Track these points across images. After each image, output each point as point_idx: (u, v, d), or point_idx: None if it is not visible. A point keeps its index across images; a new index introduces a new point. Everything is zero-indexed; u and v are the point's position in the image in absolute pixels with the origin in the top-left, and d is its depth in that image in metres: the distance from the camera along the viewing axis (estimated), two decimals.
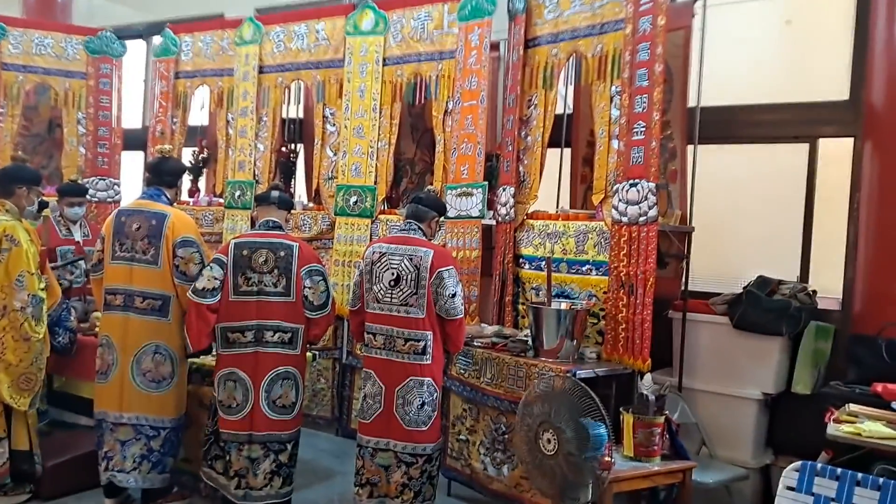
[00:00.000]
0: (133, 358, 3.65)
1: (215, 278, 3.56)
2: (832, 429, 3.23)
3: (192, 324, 3.56)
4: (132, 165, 7.20)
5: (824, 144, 4.58)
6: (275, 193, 3.81)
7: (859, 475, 2.45)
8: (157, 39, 6.58)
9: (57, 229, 4.92)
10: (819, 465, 2.54)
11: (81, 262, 4.82)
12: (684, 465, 3.37)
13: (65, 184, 5.30)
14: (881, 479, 2.43)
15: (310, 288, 3.59)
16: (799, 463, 2.60)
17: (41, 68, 6.42)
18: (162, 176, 3.86)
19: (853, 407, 3.45)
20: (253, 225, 5.11)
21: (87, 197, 5.38)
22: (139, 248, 3.67)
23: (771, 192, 4.73)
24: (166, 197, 3.81)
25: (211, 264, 3.61)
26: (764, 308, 4.15)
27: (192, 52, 6.16)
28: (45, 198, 4.37)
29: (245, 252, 3.58)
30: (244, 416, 3.53)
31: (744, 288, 4.30)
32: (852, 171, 4.38)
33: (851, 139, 4.41)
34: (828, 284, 4.51)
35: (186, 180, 6.08)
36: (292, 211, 5.31)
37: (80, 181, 5.39)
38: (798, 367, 4.27)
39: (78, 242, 4.97)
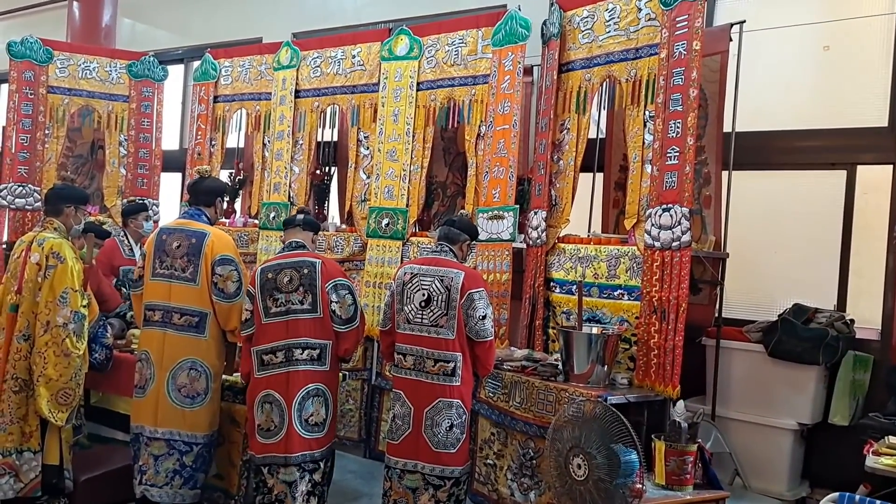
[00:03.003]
0: (169, 373, 3.71)
1: (247, 309, 3.66)
2: (871, 461, 3.17)
3: (242, 353, 3.71)
4: (170, 187, 7.36)
5: (863, 171, 4.52)
6: (299, 216, 3.89)
7: None
8: (196, 63, 6.75)
9: (121, 249, 5.08)
10: (857, 497, 2.49)
11: None
12: (717, 494, 3.30)
13: (130, 204, 5.48)
14: None
15: (336, 302, 3.62)
16: (836, 494, 2.54)
17: (86, 91, 6.63)
18: (199, 195, 3.96)
19: (893, 439, 3.38)
20: None
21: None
22: (178, 265, 3.75)
23: (808, 219, 4.68)
24: (206, 216, 3.90)
25: (245, 296, 3.71)
26: (800, 336, 4.08)
27: (231, 77, 6.31)
28: (93, 217, 4.51)
29: (270, 275, 3.64)
30: (281, 439, 3.54)
31: (779, 315, 4.24)
32: (892, 199, 4.32)
33: (890, 166, 4.35)
34: (866, 314, 4.43)
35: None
36: (326, 232, 5.41)
37: (137, 200, 5.66)
38: (835, 397, 4.19)
39: (136, 261, 5.09)
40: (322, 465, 3.63)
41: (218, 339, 3.80)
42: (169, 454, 3.70)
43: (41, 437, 3.61)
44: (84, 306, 3.61)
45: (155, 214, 6.63)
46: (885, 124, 4.42)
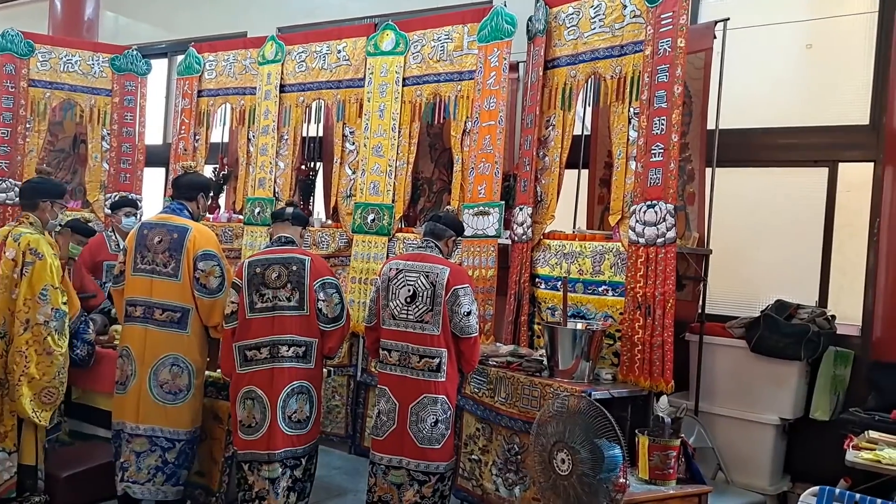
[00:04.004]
0: (151, 369, 3.68)
1: (233, 302, 3.63)
2: (851, 456, 3.20)
3: (223, 349, 3.67)
4: (154, 182, 7.30)
5: (844, 169, 4.56)
6: (289, 210, 3.86)
7: (878, 501, 2.42)
8: (180, 57, 6.70)
9: (108, 244, 5.03)
10: (837, 491, 2.51)
11: None
12: (700, 489, 3.32)
13: (119, 198, 5.56)
14: None
15: (323, 301, 3.61)
16: (817, 488, 2.57)
17: (67, 85, 6.56)
18: (181, 189, 3.93)
19: (873, 434, 3.41)
20: None
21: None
22: (160, 260, 3.71)
23: (790, 215, 4.71)
24: (188, 211, 3.87)
25: (230, 289, 3.68)
26: (782, 332, 4.11)
27: (215, 71, 6.26)
28: (75, 213, 4.46)
29: (258, 269, 3.61)
30: (262, 435, 3.52)
31: (762, 312, 4.27)
32: (872, 196, 4.36)
33: (871, 164, 4.39)
34: (847, 310, 4.47)
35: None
36: (311, 228, 5.38)
37: (128, 196, 5.76)
38: (816, 392, 4.22)
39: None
40: (304, 461, 3.62)
41: (200, 335, 3.77)
42: (151, 451, 3.67)
43: (17, 437, 3.55)
44: (64, 303, 3.55)
45: (138, 210, 6.58)
46: (867, 122, 4.45)
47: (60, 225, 4.04)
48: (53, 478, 3.73)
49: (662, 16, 3.74)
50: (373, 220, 5.12)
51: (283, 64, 5.75)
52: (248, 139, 6.00)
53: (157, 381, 3.68)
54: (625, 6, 4.00)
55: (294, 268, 3.60)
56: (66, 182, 6.90)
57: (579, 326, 3.83)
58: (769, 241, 4.74)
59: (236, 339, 3.60)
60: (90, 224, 4.82)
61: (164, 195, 6.54)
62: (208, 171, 6.39)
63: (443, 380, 3.44)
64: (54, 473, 3.74)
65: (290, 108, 5.73)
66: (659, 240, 3.64)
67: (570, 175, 4.60)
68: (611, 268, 3.98)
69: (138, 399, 3.68)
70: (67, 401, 4.28)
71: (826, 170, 4.58)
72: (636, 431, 3.36)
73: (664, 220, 3.63)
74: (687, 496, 3.28)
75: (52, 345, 3.47)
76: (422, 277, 3.47)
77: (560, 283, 4.05)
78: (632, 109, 3.93)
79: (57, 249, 3.72)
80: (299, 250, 3.72)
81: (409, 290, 3.48)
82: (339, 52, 5.48)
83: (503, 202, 4.51)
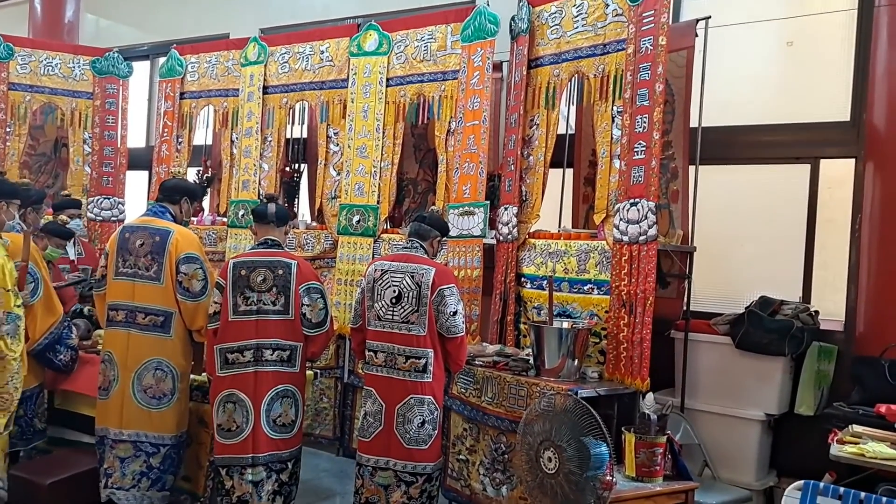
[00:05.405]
0: (134, 374, 3.65)
1: (216, 302, 3.60)
2: (836, 450, 3.22)
3: (208, 351, 3.63)
4: (136, 185, 7.25)
5: (826, 165, 4.60)
6: (271, 208, 3.74)
7: (862, 494, 2.44)
8: (161, 59, 6.65)
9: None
10: (822, 485, 2.53)
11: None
12: (687, 485, 3.34)
13: (60, 200, 5.44)
14: (884, 499, 2.42)
15: (308, 306, 3.59)
16: (802, 482, 2.58)
17: (48, 88, 6.49)
18: (164, 191, 3.92)
19: (857, 428, 3.43)
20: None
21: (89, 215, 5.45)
22: (142, 264, 3.68)
23: (773, 212, 4.74)
24: (170, 214, 3.83)
25: (214, 289, 3.64)
26: (766, 328, 4.14)
27: (198, 73, 6.22)
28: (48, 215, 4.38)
29: (243, 272, 3.59)
30: (245, 439, 3.50)
31: (746, 308, 4.29)
32: (854, 193, 4.39)
33: (853, 160, 4.43)
34: (830, 306, 4.51)
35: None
36: (296, 230, 5.36)
37: (72, 196, 5.56)
38: (801, 388, 4.25)
39: (73, 261, 4.97)
40: (290, 465, 3.61)
41: (184, 339, 3.74)
42: (135, 456, 3.64)
43: None
44: (18, 306, 3.36)
45: (121, 213, 6.53)
46: (848, 119, 4.49)
47: (37, 229, 3.97)
48: (37, 485, 3.69)
49: (644, 14, 3.75)
50: (358, 222, 5.11)
51: (265, 65, 5.73)
52: (232, 141, 5.97)
53: (141, 386, 3.65)
54: (607, 5, 4.01)
55: (280, 272, 3.58)
56: (48, 186, 6.85)
57: (565, 325, 3.84)
58: (752, 237, 4.77)
59: (217, 340, 3.56)
60: (68, 226, 4.77)
61: (148, 198, 6.50)
62: (192, 174, 6.36)
63: (429, 380, 3.43)
64: (37, 481, 3.70)
65: (274, 109, 5.71)
66: (641, 237, 3.65)
67: (555, 174, 4.61)
68: (596, 266, 3.99)
69: (122, 404, 3.65)
70: (50, 407, 4.24)
71: (808, 166, 4.62)
72: (622, 429, 3.36)
73: (646, 217, 3.64)
74: (673, 493, 3.29)
75: (3, 349, 3.30)
76: (407, 278, 3.46)
77: (546, 282, 4.05)
78: (615, 108, 3.94)
79: (24, 251, 3.57)
80: (285, 254, 3.69)
81: (394, 291, 3.47)
82: (323, 52, 5.47)
83: (488, 202, 4.52)
